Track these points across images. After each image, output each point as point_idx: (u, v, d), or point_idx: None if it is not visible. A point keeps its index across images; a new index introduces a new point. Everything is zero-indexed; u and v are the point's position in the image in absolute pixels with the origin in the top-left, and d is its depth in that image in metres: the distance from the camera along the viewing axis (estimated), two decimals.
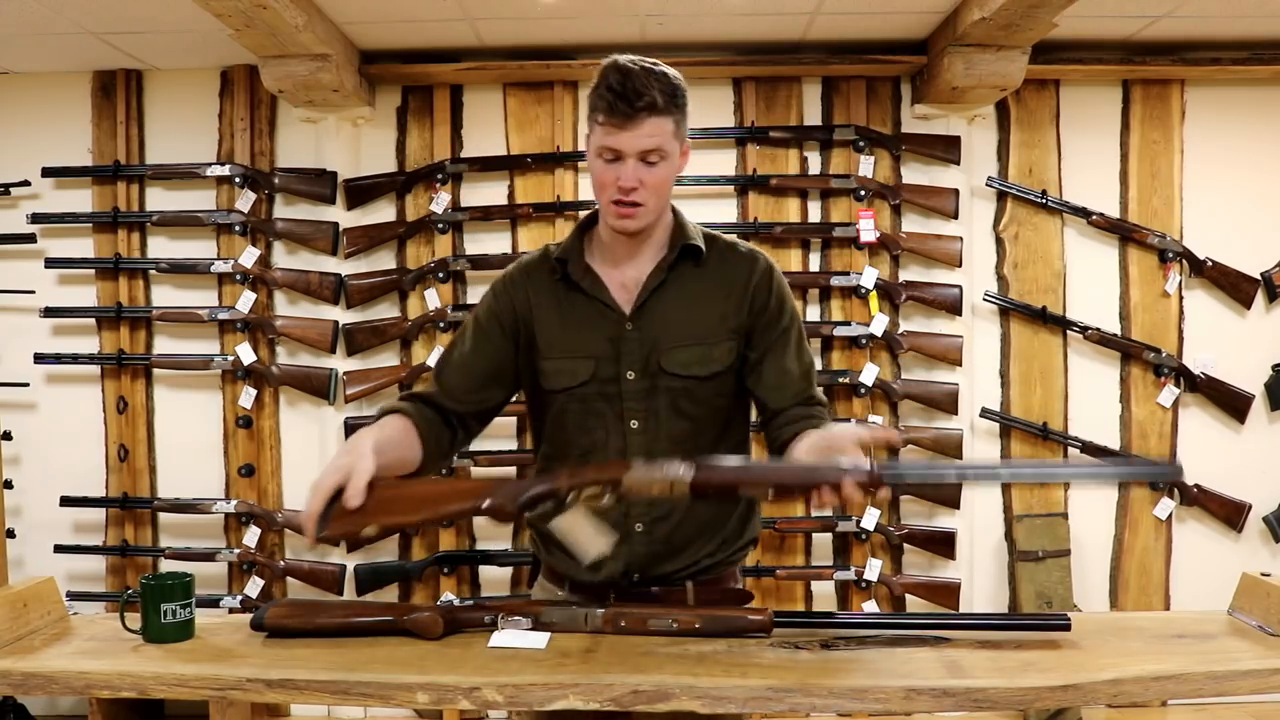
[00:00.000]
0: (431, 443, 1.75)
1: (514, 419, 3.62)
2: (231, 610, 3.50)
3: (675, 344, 1.74)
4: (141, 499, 3.64)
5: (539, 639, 1.54)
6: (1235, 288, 3.65)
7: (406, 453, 1.70)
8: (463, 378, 1.81)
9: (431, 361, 3.54)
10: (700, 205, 3.61)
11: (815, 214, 3.66)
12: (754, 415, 1.90)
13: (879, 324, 3.53)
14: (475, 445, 3.59)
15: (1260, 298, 3.67)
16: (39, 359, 3.58)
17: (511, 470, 3.59)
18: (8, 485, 3.39)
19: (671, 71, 1.68)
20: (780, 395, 1.77)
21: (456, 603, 3.40)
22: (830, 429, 1.66)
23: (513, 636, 1.54)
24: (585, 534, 1.52)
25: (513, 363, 1.81)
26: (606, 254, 1.78)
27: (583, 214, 3.55)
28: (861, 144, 3.59)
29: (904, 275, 3.63)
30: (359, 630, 1.59)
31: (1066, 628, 1.59)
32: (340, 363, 3.62)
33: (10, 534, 3.47)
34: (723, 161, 3.64)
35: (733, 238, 1.86)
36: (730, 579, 1.87)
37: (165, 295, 3.69)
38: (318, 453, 3.65)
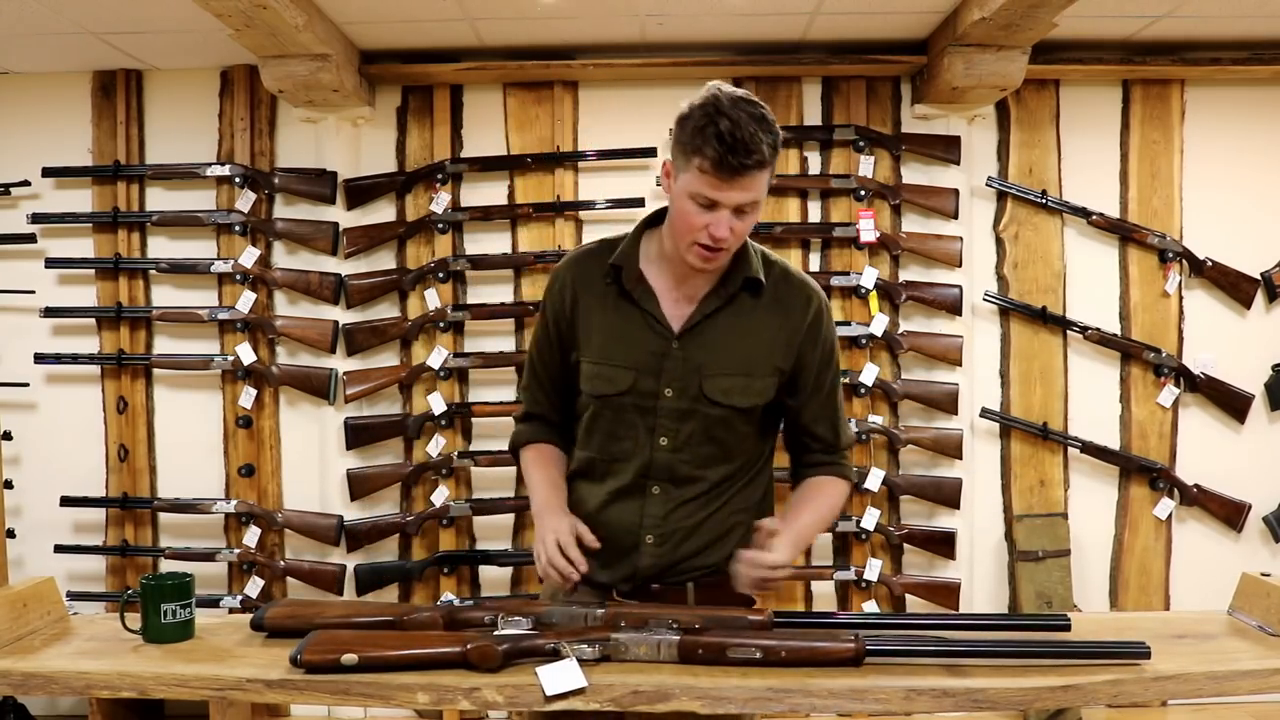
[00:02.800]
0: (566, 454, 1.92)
1: (513, 419, 3.61)
2: (231, 610, 3.50)
3: (719, 371, 1.74)
4: (141, 499, 3.64)
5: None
6: (1235, 288, 3.65)
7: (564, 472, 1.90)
8: (550, 392, 1.91)
9: (431, 361, 3.54)
10: None
11: (815, 214, 3.66)
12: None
13: (879, 324, 3.53)
14: (475, 445, 3.63)
15: (1260, 298, 3.67)
16: (39, 359, 3.58)
17: (511, 470, 3.60)
18: (8, 485, 3.39)
19: (770, 114, 1.62)
20: (808, 439, 1.85)
21: (456, 603, 3.41)
22: (786, 531, 1.74)
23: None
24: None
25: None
26: (665, 266, 1.77)
27: (583, 214, 3.61)
28: (861, 144, 3.59)
29: (904, 275, 3.62)
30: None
31: (1066, 628, 1.59)
32: (340, 363, 3.62)
33: (10, 534, 3.47)
34: None
35: (788, 264, 1.84)
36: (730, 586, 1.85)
37: (165, 295, 3.68)
38: (318, 453, 3.65)
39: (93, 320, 3.67)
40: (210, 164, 3.61)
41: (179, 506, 3.59)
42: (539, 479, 1.87)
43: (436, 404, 3.54)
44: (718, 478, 1.77)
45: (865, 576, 3.51)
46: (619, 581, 1.78)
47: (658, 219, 1.80)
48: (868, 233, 3.54)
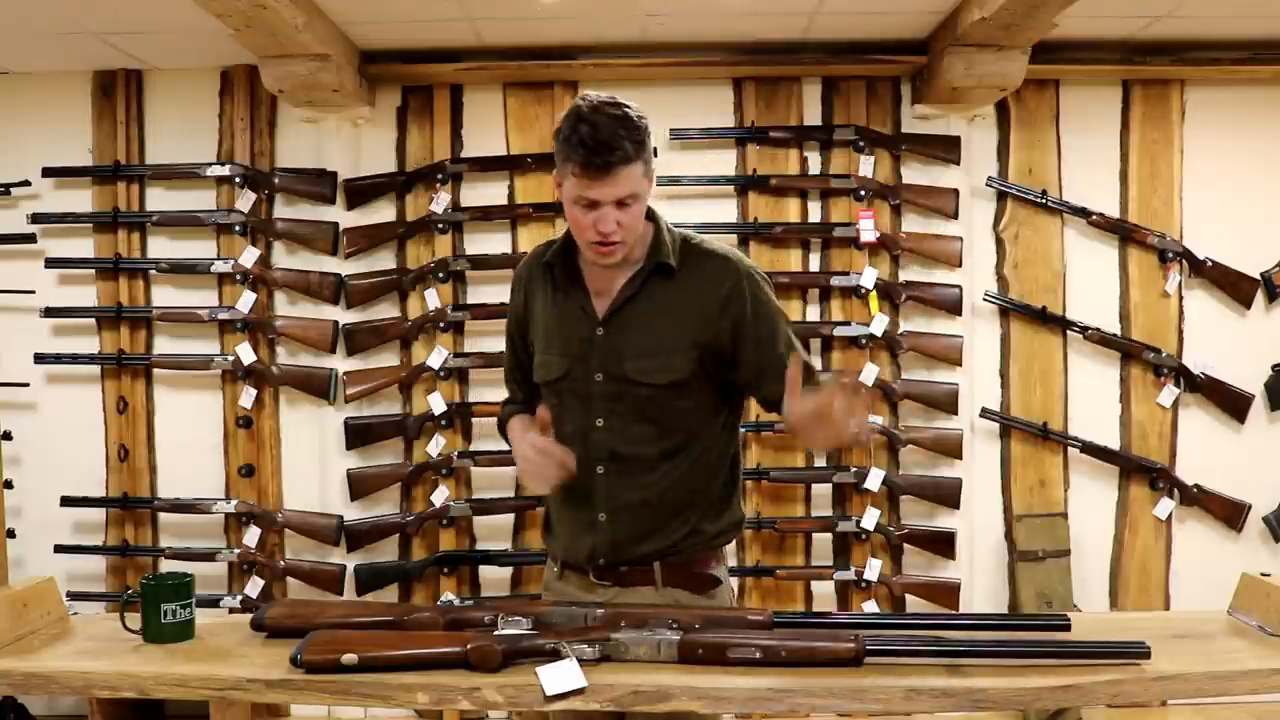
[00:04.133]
0: None
1: None
2: (231, 610, 3.50)
3: (638, 353, 1.83)
4: (141, 499, 3.64)
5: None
6: (1235, 288, 3.65)
7: None
8: (522, 383, 2.03)
9: (431, 361, 3.54)
10: (700, 205, 3.61)
11: (815, 214, 3.65)
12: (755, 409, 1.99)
13: (879, 324, 3.53)
14: (475, 445, 3.63)
15: (1260, 298, 3.67)
16: (39, 359, 3.57)
17: (511, 470, 3.60)
18: (8, 485, 3.38)
19: (634, 111, 1.76)
20: (775, 385, 1.80)
21: (456, 603, 3.41)
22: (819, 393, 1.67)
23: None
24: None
25: None
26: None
27: None
28: (861, 144, 3.59)
29: (904, 275, 3.62)
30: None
31: (1066, 628, 1.59)
32: (340, 363, 3.62)
33: (10, 534, 3.46)
34: (723, 161, 3.64)
35: (713, 243, 1.91)
36: (708, 563, 1.90)
37: (165, 295, 3.68)
38: (318, 453, 3.65)
39: (93, 320, 3.66)
40: (210, 164, 3.61)
41: (179, 506, 3.59)
42: (515, 431, 1.98)
43: (436, 404, 3.54)
44: (657, 453, 1.84)
45: (865, 576, 3.51)
46: (584, 560, 1.87)
47: None
48: (868, 233, 3.54)
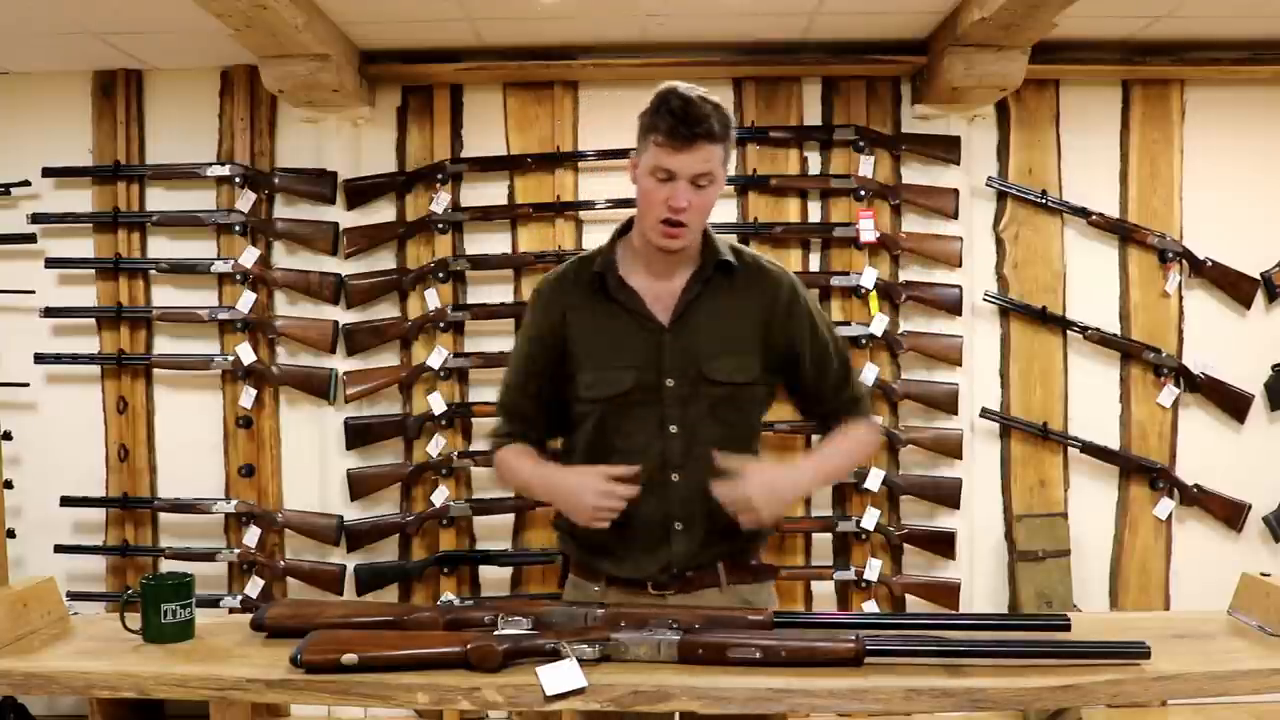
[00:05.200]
0: None
1: None
2: (231, 610, 3.50)
3: (714, 351, 1.82)
4: (141, 499, 3.64)
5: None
6: (1235, 288, 3.65)
7: None
8: (534, 407, 1.93)
9: (431, 361, 3.54)
10: None
11: (815, 214, 3.65)
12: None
13: (879, 324, 3.53)
14: (475, 445, 3.63)
15: (1260, 298, 3.67)
16: (39, 359, 3.57)
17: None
18: (8, 485, 3.38)
19: (723, 106, 1.77)
20: (823, 402, 1.94)
21: (456, 603, 3.41)
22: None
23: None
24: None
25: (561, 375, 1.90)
26: (641, 267, 1.86)
27: (583, 214, 3.61)
28: (861, 144, 3.59)
29: (904, 275, 3.62)
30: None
31: (1066, 628, 1.59)
32: (340, 363, 3.62)
33: (10, 534, 3.46)
34: None
35: (757, 254, 1.95)
36: (759, 553, 1.94)
37: (165, 295, 3.68)
38: (318, 453, 3.65)
39: (93, 320, 3.66)
40: (210, 164, 3.61)
41: (179, 506, 3.59)
42: (528, 465, 1.90)
43: (436, 404, 3.54)
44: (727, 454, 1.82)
45: (865, 576, 3.51)
46: (655, 574, 1.83)
47: (629, 227, 1.90)
48: (868, 233, 3.54)
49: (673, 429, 1.81)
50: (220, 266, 3.58)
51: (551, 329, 1.88)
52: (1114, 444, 3.66)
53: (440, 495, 3.55)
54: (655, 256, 1.83)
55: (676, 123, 1.70)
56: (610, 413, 1.83)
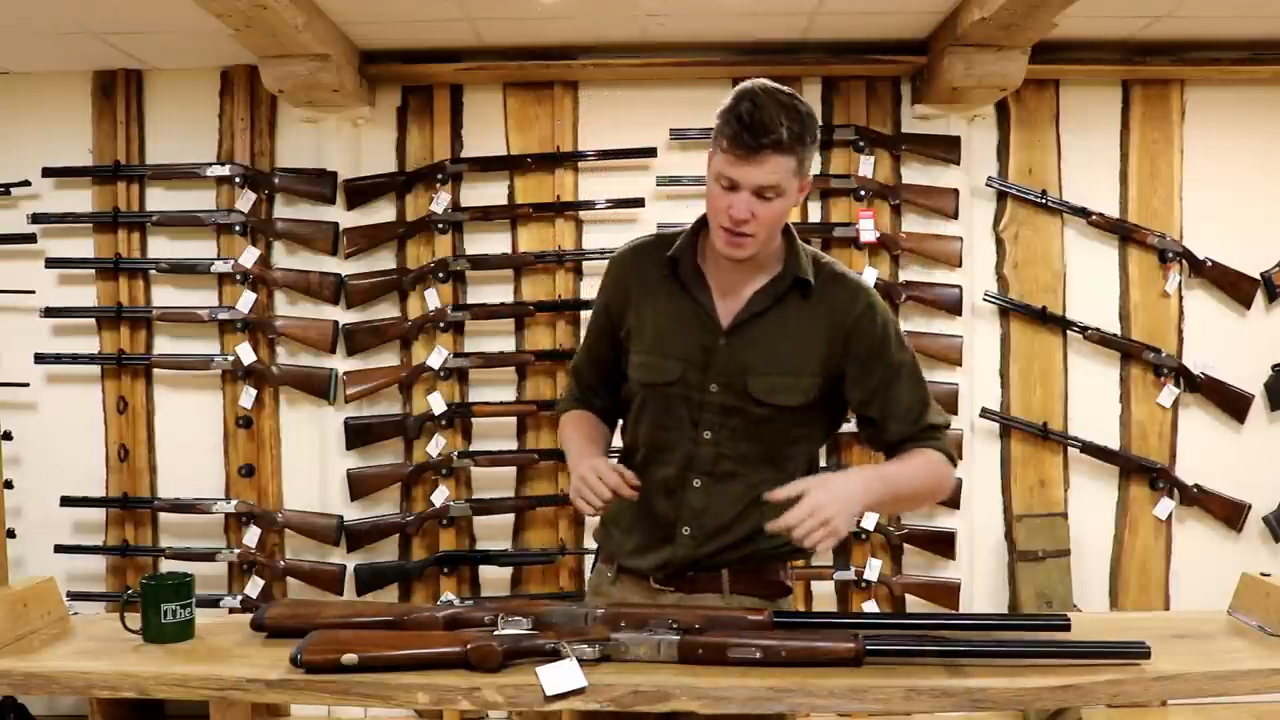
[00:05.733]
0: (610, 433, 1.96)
1: (513, 419, 3.62)
2: (231, 610, 3.50)
3: (765, 370, 1.74)
4: (142, 499, 3.64)
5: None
6: (1235, 288, 3.65)
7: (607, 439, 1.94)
8: (598, 375, 1.93)
9: (431, 361, 3.54)
10: (700, 205, 3.56)
11: (815, 214, 3.65)
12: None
13: None
14: (475, 445, 3.63)
15: (1260, 298, 3.67)
16: (39, 359, 3.57)
17: (510, 470, 3.60)
18: (8, 485, 3.38)
19: (805, 106, 1.66)
20: (895, 426, 1.78)
21: (456, 603, 3.41)
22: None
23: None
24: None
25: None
26: (719, 261, 1.78)
27: (583, 214, 3.60)
28: (861, 144, 3.59)
29: (904, 275, 3.62)
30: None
31: (1066, 628, 1.59)
32: (340, 363, 3.62)
33: (10, 534, 3.45)
34: None
35: (842, 267, 1.83)
36: (777, 570, 1.85)
37: (165, 295, 3.68)
38: (318, 453, 3.65)
39: (93, 320, 3.66)
40: (210, 164, 3.61)
41: (179, 506, 3.59)
42: (575, 436, 1.88)
43: (436, 404, 3.54)
44: (759, 478, 1.75)
45: (865, 576, 3.51)
46: (654, 569, 1.80)
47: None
48: (868, 233, 3.54)
49: (706, 434, 1.75)
50: (220, 266, 3.58)
51: (619, 300, 1.85)
52: (1114, 444, 3.66)
53: (440, 495, 3.55)
54: (727, 259, 1.75)
55: (741, 130, 1.60)
56: (652, 400, 1.79)
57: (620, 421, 1.96)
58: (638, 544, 1.82)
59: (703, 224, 1.82)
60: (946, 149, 3.60)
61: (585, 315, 3.41)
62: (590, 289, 3.51)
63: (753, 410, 1.74)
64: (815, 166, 3.61)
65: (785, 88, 1.67)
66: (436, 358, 3.54)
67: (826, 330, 1.75)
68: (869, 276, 3.53)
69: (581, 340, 1.98)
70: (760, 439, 1.76)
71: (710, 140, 1.70)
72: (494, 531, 3.65)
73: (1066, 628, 1.59)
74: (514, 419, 3.62)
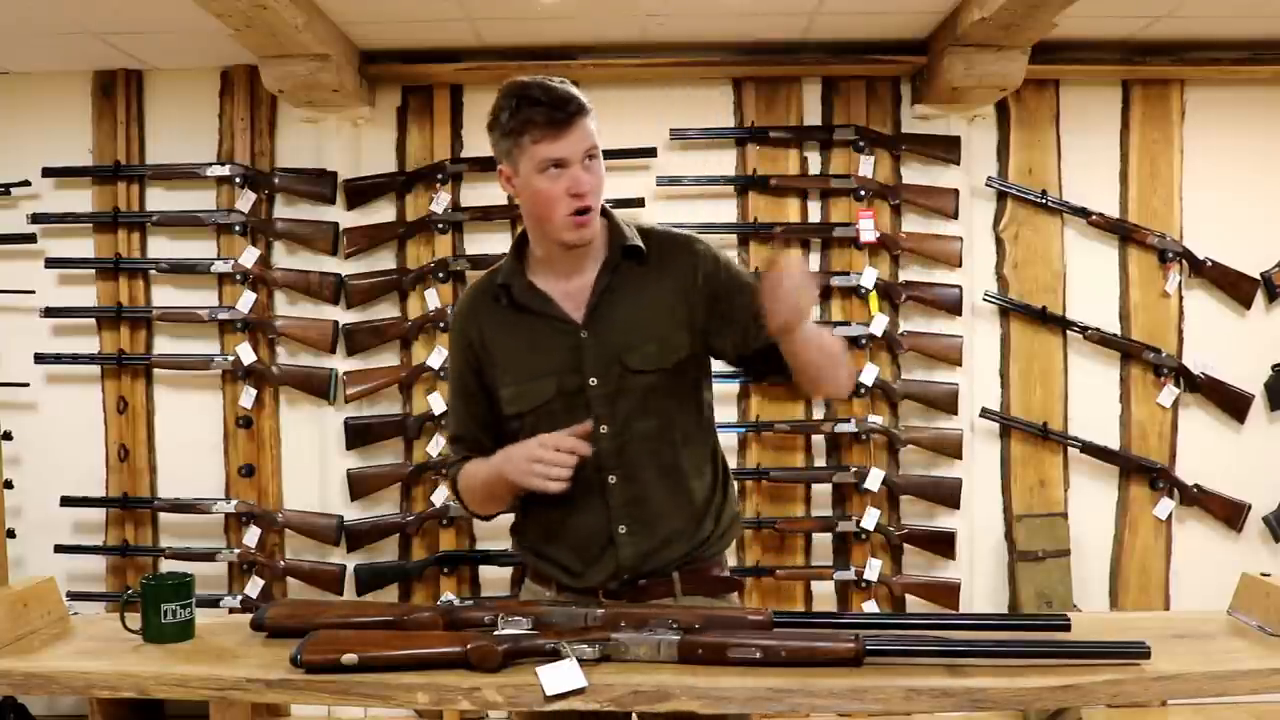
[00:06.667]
0: None
1: None
2: (231, 610, 3.50)
3: (635, 341, 1.76)
4: (141, 499, 3.64)
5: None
6: (1235, 287, 3.65)
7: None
8: (484, 430, 1.87)
9: (431, 361, 3.54)
10: (700, 205, 3.62)
11: (815, 214, 3.65)
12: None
13: (879, 324, 3.53)
14: None
15: (1260, 297, 3.67)
16: (39, 359, 3.57)
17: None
18: (8, 485, 3.38)
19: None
20: (756, 336, 1.73)
21: (456, 603, 3.40)
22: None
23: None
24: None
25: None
26: (548, 270, 1.81)
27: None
28: (861, 144, 3.59)
29: (904, 275, 3.62)
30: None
31: (1066, 628, 1.59)
32: (340, 363, 3.62)
33: (10, 534, 3.45)
34: (723, 161, 3.64)
35: (667, 228, 1.89)
36: (720, 565, 1.87)
37: (165, 295, 3.68)
38: (318, 453, 3.65)
39: (93, 320, 3.66)
40: (210, 164, 3.61)
41: (179, 506, 3.59)
42: (482, 462, 1.82)
43: (436, 404, 3.54)
44: (661, 451, 1.78)
45: (865, 576, 3.51)
46: (605, 581, 1.78)
47: (524, 241, 1.85)
48: (868, 233, 3.54)
49: (602, 429, 1.74)
50: (220, 266, 3.58)
51: (471, 349, 1.84)
52: (1114, 444, 3.66)
53: (440, 495, 3.55)
54: (562, 257, 1.77)
55: (551, 109, 1.67)
56: (538, 424, 1.76)
57: None
58: (580, 562, 1.80)
59: (522, 243, 1.85)
60: (946, 149, 3.60)
61: None
62: None
63: (636, 383, 1.75)
64: (818, 165, 3.65)
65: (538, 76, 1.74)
66: (436, 358, 3.55)
67: (679, 290, 1.79)
68: (869, 277, 3.53)
69: (449, 414, 1.95)
70: (653, 410, 1.77)
71: (506, 149, 1.72)
72: (494, 531, 3.64)
73: (1066, 628, 1.58)
74: (444, 465, 3.62)
